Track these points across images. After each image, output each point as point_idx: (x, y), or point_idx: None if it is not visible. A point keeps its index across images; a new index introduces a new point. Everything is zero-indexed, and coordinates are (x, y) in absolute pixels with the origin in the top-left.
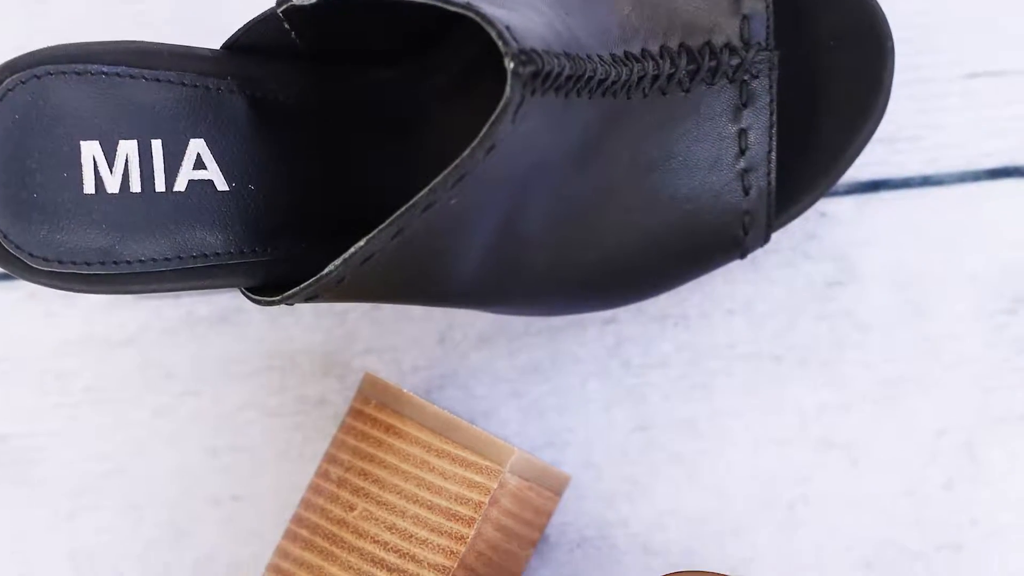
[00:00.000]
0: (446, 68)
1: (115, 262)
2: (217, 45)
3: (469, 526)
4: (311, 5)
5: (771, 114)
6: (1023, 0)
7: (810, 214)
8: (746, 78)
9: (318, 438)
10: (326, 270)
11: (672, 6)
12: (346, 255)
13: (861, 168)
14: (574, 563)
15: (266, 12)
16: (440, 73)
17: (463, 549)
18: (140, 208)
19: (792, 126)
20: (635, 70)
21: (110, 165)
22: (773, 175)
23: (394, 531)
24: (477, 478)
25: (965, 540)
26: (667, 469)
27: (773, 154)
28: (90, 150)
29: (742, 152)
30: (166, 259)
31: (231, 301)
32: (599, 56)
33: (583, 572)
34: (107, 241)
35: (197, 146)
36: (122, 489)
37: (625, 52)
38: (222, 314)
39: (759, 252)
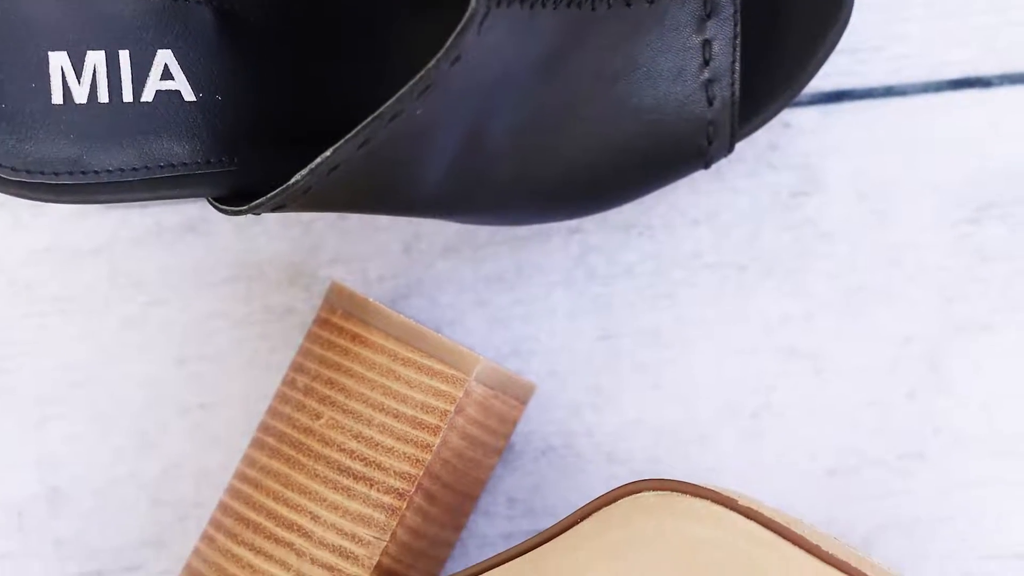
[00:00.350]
0: None
1: (83, 172)
2: None
3: (435, 434)
4: None
5: (735, 25)
6: None
7: (774, 124)
8: None
9: (285, 347)
10: (293, 180)
11: None
12: (313, 165)
13: (824, 78)
14: (539, 471)
15: None
16: None
17: (429, 457)
18: (108, 118)
19: (756, 37)
20: None
21: (78, 76)
22: (737, 85)
23: (360, 439)
24: (443, 386)
25: (927, 449)
26: (632, 378)
27: (737, 64)
28: (58, 61)
29: (706, 63)
30: (134, 169)
31: (199, 211)
32: None
33: (548, 480)
34: (75, 151)
35: (164, 56)
36: (90, 398)
37: None
38: (190, 223)
39: (723, 162)
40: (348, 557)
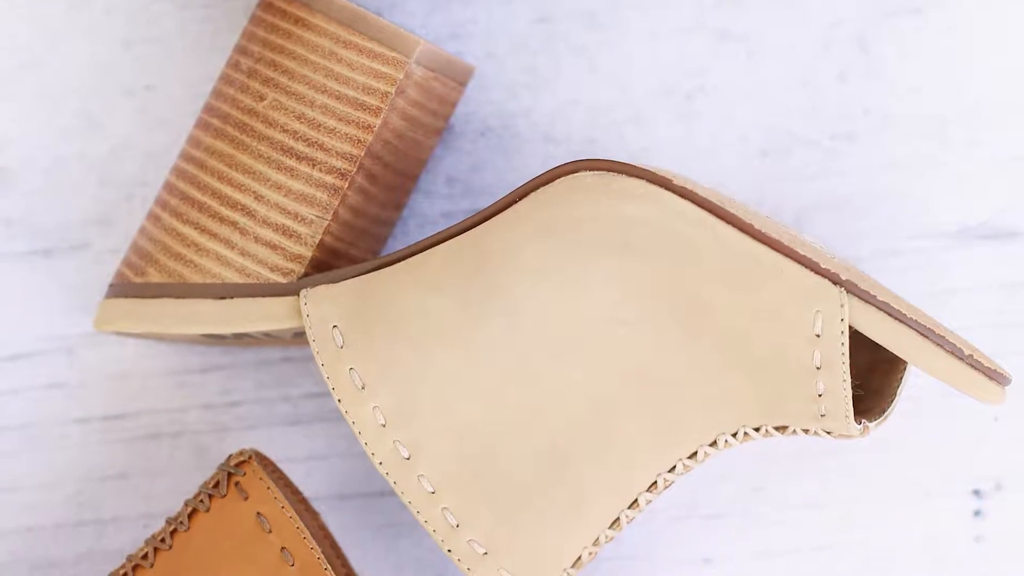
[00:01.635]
0: None
1: None
2: None
3: (376, 115)
4: None
5: None
6: None
7: None
8: None
9: (229, 30)
10: None
11: None
12: None
13: None
14: (477, 152)
15: None
16: None
17: (370, 138)
18: None
19: None
20: None
21: None
22: None
23: (303, 120)
24: (384, 69)
25: (857, 130)
26: (568, 60)
27: None
28: None
29: None
30: None
31: None
32: None
33: (486, 160)
34: None
35: None
36: (37, 79)
37: None
38: None
39: None
40: (291, 235)
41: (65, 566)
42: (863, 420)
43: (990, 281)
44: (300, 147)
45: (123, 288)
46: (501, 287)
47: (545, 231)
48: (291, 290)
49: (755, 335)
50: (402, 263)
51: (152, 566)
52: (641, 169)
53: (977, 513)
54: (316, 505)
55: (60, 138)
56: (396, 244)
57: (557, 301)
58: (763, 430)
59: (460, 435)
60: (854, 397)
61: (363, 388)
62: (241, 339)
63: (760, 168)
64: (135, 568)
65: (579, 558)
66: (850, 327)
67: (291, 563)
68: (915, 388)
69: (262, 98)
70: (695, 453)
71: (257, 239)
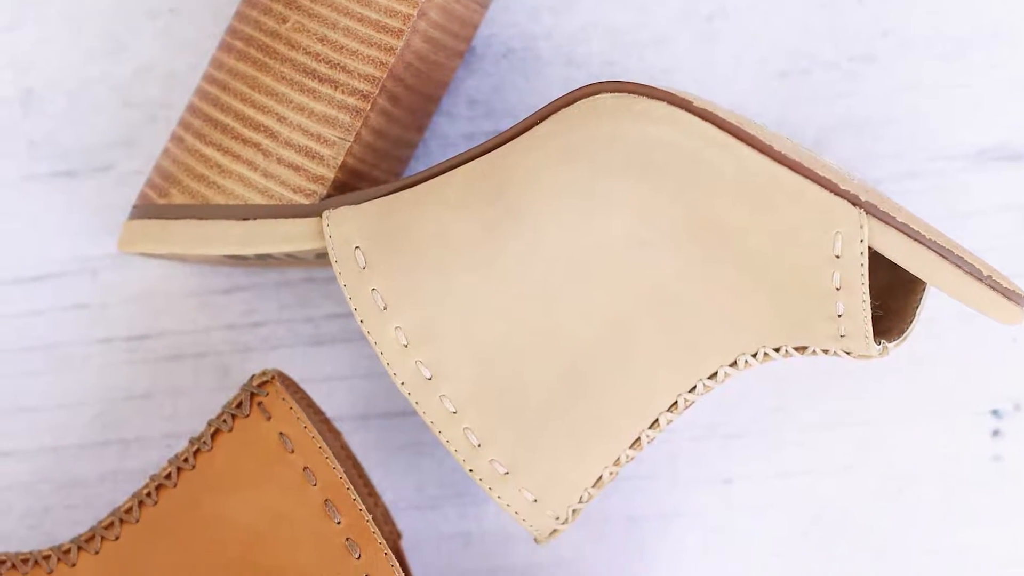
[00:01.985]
0: None
1: None
2: None
3: (398, 38)
4: None
5: None
6: None
7: None
8: None
9: None
10: None
11: None
12: None
13: None
14: (499, 74)
15: None
16: None
17: (392, 60)
18: None
19: None
20: None
21: None
22: None
23: (325, 43)
24: None
25: (877, 51)
26: None
27: None
28: None
29: None
30: None
31: None
32: None
33: (508, 82)
34: None
35: None
36: (62, 2)
37: None
38: None
39: None
40: (314, 157)
41: (89, 485)
42: (882, 341)
43: (1008, 202)
44: (322, 69)
45: (146, 209)
46: (521, 209)
47: (565, 153)
48: (313, 211)
49: (775, 256)
50: (424, 185)
51: (175, 486)
52: (662, 91)
53: (996, 433)
54: (338, 425)
55: (84, 60)
56: (418, 166)
57: (577, 223)
58: (783, 351)
59: (482, 356)
60: (873, 318)
61: (385, 309)
62: (264, 260)
63: (779, 90)
64: (158, 488)
65: (600, 478)
66: (869, 248)
67: (313, 483)
68: (934, 309)
69: (284, 20)
70: (715, 373)
71: (280, 160)
